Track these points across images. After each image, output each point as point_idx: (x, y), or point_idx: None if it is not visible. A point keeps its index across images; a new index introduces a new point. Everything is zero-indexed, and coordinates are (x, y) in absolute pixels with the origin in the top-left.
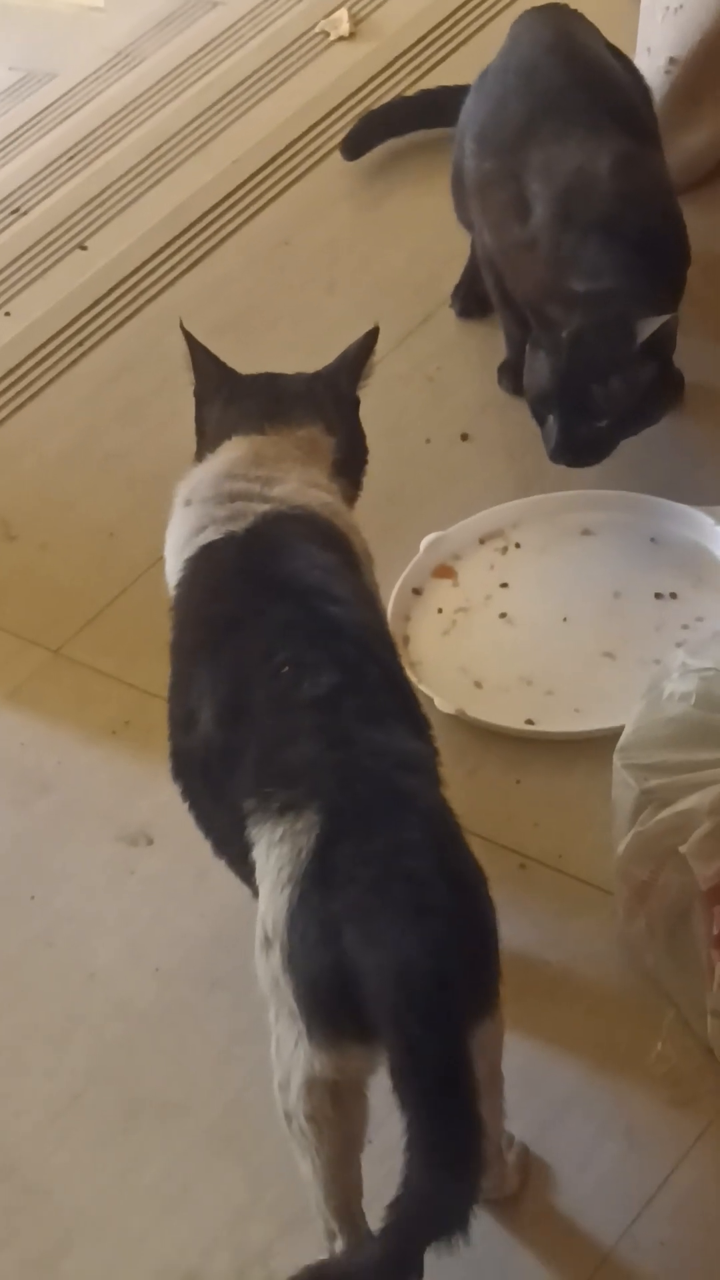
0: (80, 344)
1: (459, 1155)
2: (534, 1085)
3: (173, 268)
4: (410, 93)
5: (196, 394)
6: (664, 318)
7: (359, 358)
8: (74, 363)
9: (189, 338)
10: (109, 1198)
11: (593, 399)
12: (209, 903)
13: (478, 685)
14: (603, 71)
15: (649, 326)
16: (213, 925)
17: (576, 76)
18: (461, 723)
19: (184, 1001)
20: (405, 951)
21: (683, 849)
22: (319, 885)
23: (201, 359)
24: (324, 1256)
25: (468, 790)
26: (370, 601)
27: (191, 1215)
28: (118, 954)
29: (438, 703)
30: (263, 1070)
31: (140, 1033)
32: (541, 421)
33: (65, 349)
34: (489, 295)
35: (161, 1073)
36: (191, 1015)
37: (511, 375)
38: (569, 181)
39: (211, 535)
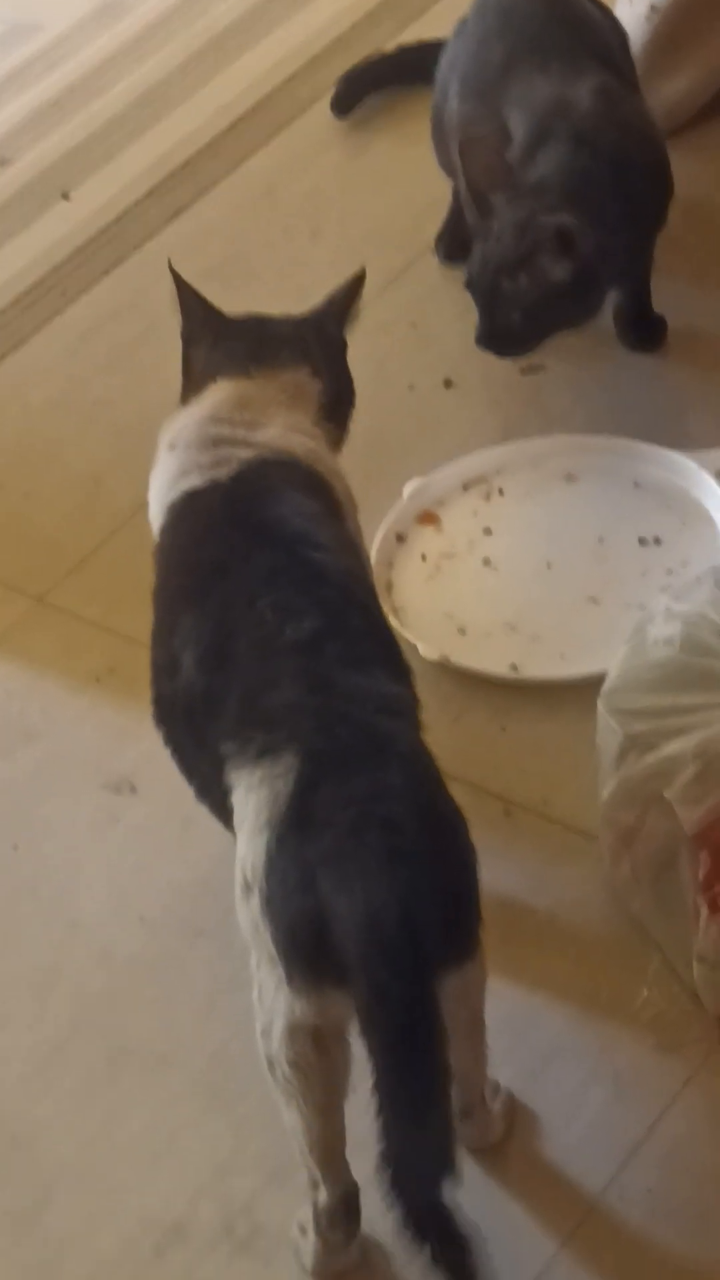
0: (64, 293)
1: (423, 1103)
2: (519, 1032)
3: (156, 216)
4: (395, 42)
5: (183, 335)
6: (559, 219)
7: (346, 300)
8: (58, 311)
9: (177, 278)
10: (92, 1149)
11: (502, 291)
12: (194, 851)
13: (462, 631)
14: (580, 11)
15: (546, 225)
16: (198, 874)
17: (555, 14)
18: (446, 669)
19: (168, 951)
20: (375, 897)
21: (668, 794)
22: (296, 829)
23: (189, 300)
24: (308, 1206)
25: (452, 737)
26: (353, 548)
27: (176, 1166)
28: (102, 903)
29: (421, 649)
30: (247, 1020)
31: (124, 982)
32: None
33: (49, 298)
34: (472, 239)
35: (145, 1023)
36: (176, 965)
37: None
38: (548, 106)
39: (195, 481)
